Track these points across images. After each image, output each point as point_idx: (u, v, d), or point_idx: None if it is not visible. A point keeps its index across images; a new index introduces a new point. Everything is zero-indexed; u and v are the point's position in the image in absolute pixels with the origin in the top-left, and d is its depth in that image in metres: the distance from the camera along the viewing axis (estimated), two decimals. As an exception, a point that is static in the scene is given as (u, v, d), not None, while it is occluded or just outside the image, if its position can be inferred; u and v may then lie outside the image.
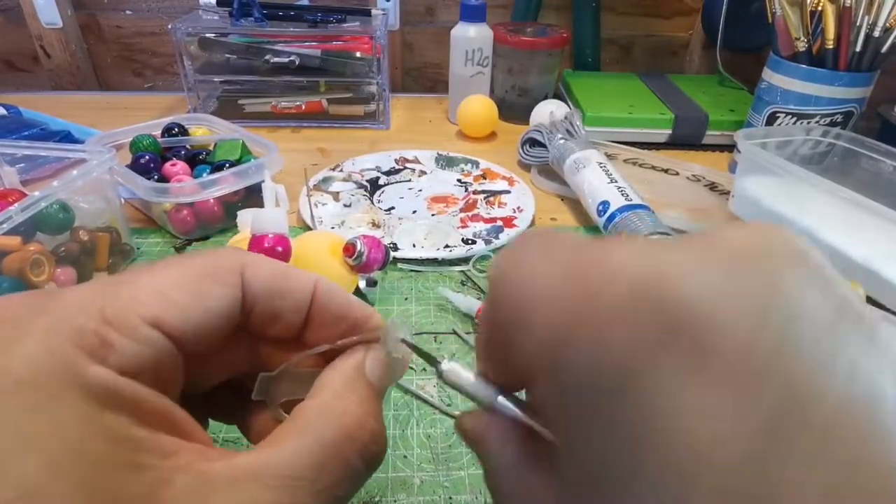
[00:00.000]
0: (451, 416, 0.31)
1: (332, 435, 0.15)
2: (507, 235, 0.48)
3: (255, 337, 0.18)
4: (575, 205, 0.54)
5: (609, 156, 0.60)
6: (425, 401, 0.32)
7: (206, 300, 0.15)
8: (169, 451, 0.13)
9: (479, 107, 0.69)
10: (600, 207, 0.47)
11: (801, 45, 0.54)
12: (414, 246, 0.47)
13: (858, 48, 0.51)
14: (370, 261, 0.35)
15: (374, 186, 0.57)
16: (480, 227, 0.50)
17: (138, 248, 0.45)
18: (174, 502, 0.12)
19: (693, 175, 0.60)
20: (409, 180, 0.59)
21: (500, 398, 0.16)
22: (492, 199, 0.55)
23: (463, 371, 0.17)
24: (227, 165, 0.48)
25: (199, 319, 0.15)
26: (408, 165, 0.61)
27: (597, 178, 0.49)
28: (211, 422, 0.19)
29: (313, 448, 0.14)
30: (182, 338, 0.15)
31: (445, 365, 0.17)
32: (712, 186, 0.58)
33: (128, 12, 0.84)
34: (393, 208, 0.54)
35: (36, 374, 0.12)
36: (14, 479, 0.11)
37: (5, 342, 0.12)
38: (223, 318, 0.16)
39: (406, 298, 0.41)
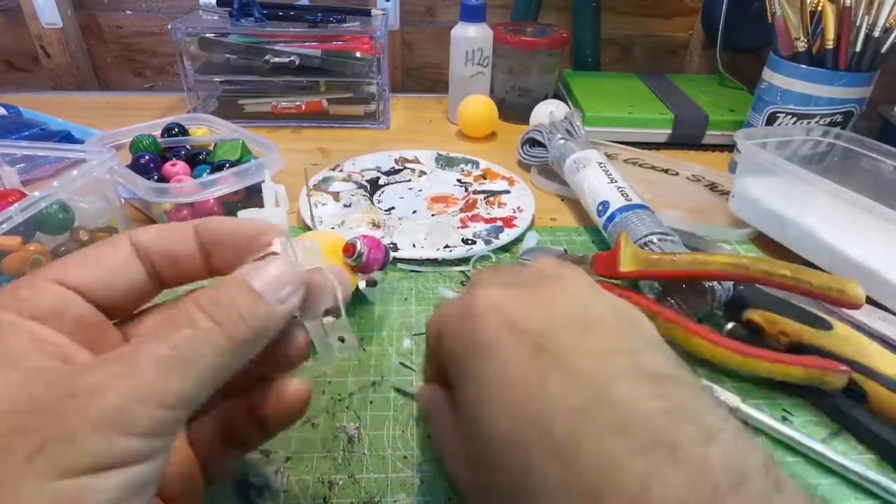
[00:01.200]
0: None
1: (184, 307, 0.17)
2: (507, 235, 0.48)
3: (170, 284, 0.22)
4: (575, 205, 0.54)
5: (609, 156, 0.60)
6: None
7: (102, 261, 0.20)
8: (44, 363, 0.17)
9: (479, 107, 0.69)
10: (600, 207, 0.47)
11: (801, 45, 0.54)
12: (414, 246, 0.47)
13: (858, 48, 0.51)
14: (370, 261, 0.35)
15: (374, 186, 0.57)
16: (480, 227, 0.50)
17: (138, 249, 0.45)
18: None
19: (693, 175, 0.60)
20: (409, 180, 0.59)
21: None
22: (492, 199, 0.55)
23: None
24: (227, 165, 0.48)
25: (98, 276, 0.19)
26: (408, 165, 0.61)
27: (597, 178, 0.49)
28: None
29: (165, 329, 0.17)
30: (86, 290, 0.19)
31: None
32: (712, 186, 0.58)
33: (128, 12, 0.84)
34: (393, 208, 0.54)
35: None
36: None
37: None
38: (124, 273, 0.20)
39: (406, 298, 0.41)
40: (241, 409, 0.21)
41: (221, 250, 0.21)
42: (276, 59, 0.68)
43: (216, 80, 0.71)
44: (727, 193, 0.54)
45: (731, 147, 0.67)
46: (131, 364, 0.16)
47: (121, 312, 0.20)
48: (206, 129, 0.56)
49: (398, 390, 0.32)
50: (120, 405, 0.15)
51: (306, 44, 0.69)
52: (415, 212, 0.53)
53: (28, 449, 0.14)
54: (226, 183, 0.45)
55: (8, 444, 0.14)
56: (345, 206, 0.53)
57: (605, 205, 0.47)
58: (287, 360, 0.21)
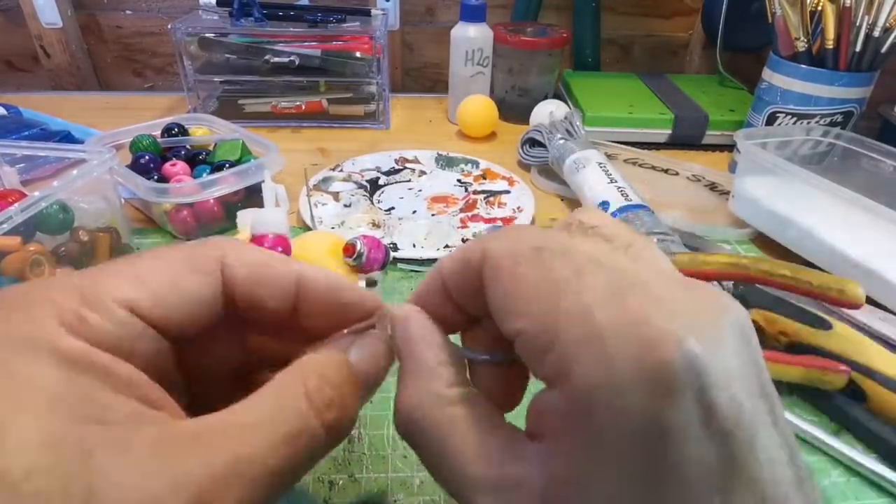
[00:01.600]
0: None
1: (294, 399, 0.15)
2: (507, 235, 0.48)
3: (247, 325, 0.19)
4: (575, 205, 0.54)
5: (609, 156, 0.60)
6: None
7: (182, 286, 0.17)
8: (138, 412, 0.14)
9: (479, 107, 0.69)
10: (600, 207, 0.47)
11: (801, 45, 0.54)
12: (414, 246, 0.47)
13: (858, 48, 0.51)
14: (370, 261, 0.35)
15: (374, 186, 0.57)
16: (480, 227, 0.50)
17: (138, 249, 0.45)
18: (139, 452, 0.13)
19: (693, 175, 0.60)
20: (409, 180, 0.59)
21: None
22: (492, 199, 0.55)
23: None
24: (227, 165, 0.48)
25: (175, 304, 0.16)
26: (408, 165, 0.61)
27: (597, 178, 0.49)
28: None
29: (273, 411, 0.15)
30: (158, 321, 0.16)
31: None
32: (712, 186, 0.58)
33: (128, 12, 0.84)
34: (393, 208, 0.54)
35: (17, 342, 0.14)
36: None
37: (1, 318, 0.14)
38: (202, 304, 0.17)
39: (406, 299, 0.41)
40: None
41: (314, 306, 0.19)
42: (276, 59, 0.68)
43: (216, 80, 0.71)
44: (727, 193, 0.54)
45: (731, 147, 0.67)
46: (239, 458, 0.14)
47: (177, 338, 0.17)
48: (206, 129, 0.56)
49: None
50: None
51: (306, 44, 0.69)
52: (415, 212, 0.53)
53: None
54: (226, 183, 0.45)
55: None
56: (345, 206, 0.53)
57: (604, 205, 0.47)
58: None
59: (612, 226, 0.17)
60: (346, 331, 0.19)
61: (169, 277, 0.17)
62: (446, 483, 0.17)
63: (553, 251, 0.16)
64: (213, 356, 0.19)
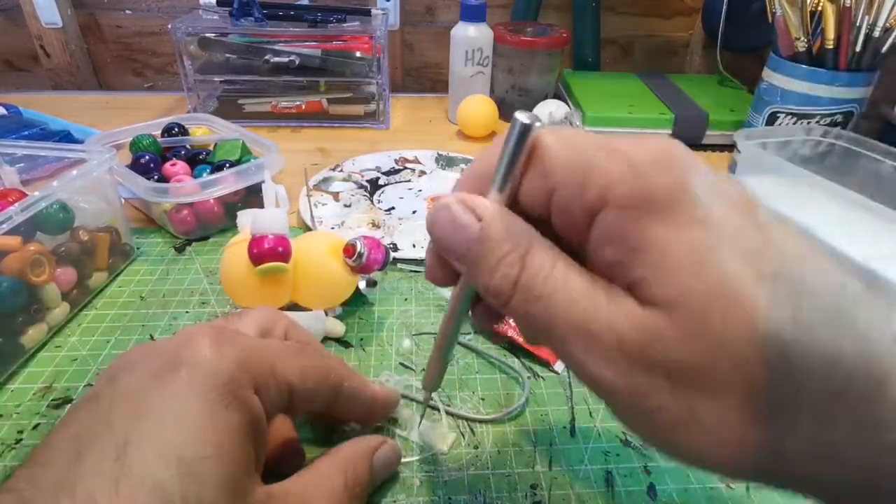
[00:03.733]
0: (455, 416, 0.31)
1: (337, 481, 0.23)
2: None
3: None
4: (575, 205, 0.54)
5: (609, 156, 0.60)
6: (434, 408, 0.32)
7: (305, 381, 0.23)
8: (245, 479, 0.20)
9: (479, 107, 0.69)
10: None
11: (802, 45, 0.54)
12: (414, 246, 0.47)
13: (858, 48, 0.51)
14: (370, 261, 0.35)
15: (374, 186, 0.57)
16: (480, 227, 0.50)
17: (138, 248, 0.45)
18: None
19: (693, 175, 0.60)
20: (409, 180, 0.59)
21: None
22: (492, 199, 0.55)
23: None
24: (227, 165, 0.48)
25: (299, 390, 0.23)
26: (408, 165, 0.61)
27: (597, 178, 0.49)
28: None
29: (324, 486, 0.23)
30: (293, 404, 0.23)
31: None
32: (712, 186, 0.58)
33: (128, 12, 0.84)
34: (393, 208, 0.54)
35: (232, 385, 0.20)
36: (192, 453, 0.18)
37: (220, 355, 0.20)
38: (319, 401, 0.25)
39: (406, 299, 0.41)
40: None
41: (350, 404, 0.26)
42: (276, 59, 0.68)
43: (216, 79, 0.71)
44: (727, 193, 0.54)
45: (731, 147, 0.67)
46: None
47: None
48: (206, 129, 0.56)
49: (405, 397, 0.32)
50: None
51: (306, 44, 0.69)
52: (415, 212, 0.53)
53: None
54: (226, 183, 0.45)
55: None
56: (345, 206, 0.53)
57: (605, 205, 0.47)
58: None
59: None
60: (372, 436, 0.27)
61: (304, 372, 0.23)
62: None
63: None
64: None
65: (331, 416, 0.27)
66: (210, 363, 0.19)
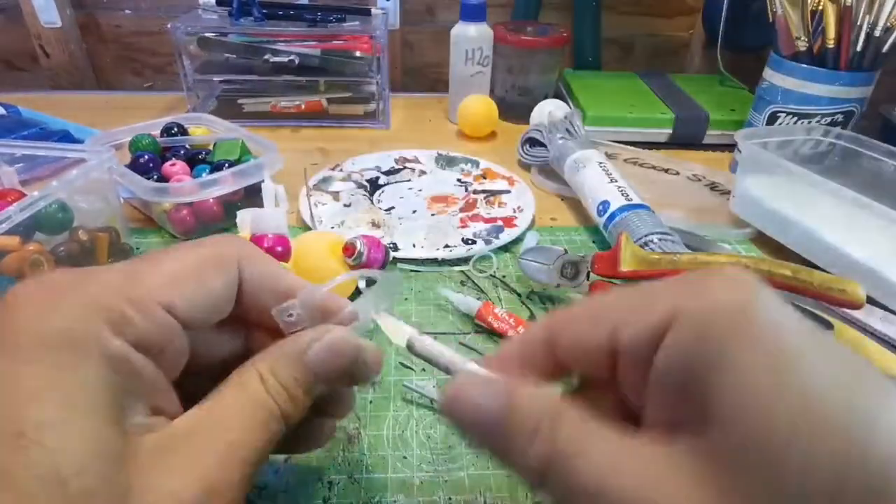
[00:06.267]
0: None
1: (257, 392, 0.18)
2: (507, 235, 0.48)
3: (248, 324, 0.22)
4: (575, 204, 0.54)
5: (609, 155, 0.60)
6: (431, 399, 0.32)
7: (209, 285, 0.19)
8: (149, 420, 0.17)
9: (479, 106, 0.69)
10: (600, 207, 0.47)
11: (802, 45, 0.54)
12: (414, 246, 0.47)
13: (859, 48, 0.51)
14: (370, 261, 0.35)
15: (373, 186, 0.57)
16: (480, 226, 0.50)
17: (138, 248, 0.45)
18: (155, 455, 0.16)
19: (693, 175, 0.60)
20: (409, 180, 0.59)
21: (471, 363, 0.19)
22: (492, 198, 0.55)
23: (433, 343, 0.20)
24: (227, 165, 0.48)
25: (202, 303, 0.18)
26: (408, 165, 0.61)
27: (597, 177, 0.49)
28: None
29: (243, 402, 0.18)
30: (188, 320, 0.18)
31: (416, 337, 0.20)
32: (713, 186, 0.58)
33: (127, 11, 0.84)
34: (393, 208, 0.53)
35: (69, 338, 0.16)
36: (33, 420, 0.14)
37: (49, 308, 0.16)
38: (221, 302, 0.19)
39: (406, 298, 0.41)
40: None
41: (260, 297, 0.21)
42: (276, 59, 0.68)
43: (215, 79, 0.71)
44: (727, 193, 0.54)
45: (731, 147, 0.67)
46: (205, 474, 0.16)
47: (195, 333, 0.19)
48: (205, 129, 0.56)
49: (411, 389, 0.32)
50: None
51: (306, 43, 0.68)
52: (415, 212, 0.53)
53: None
54: (225, 183, 0.45)
55: None
56: (345, 205, 0.53)
57: (605, 204, 0.47)
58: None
59: None
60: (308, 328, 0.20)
61: (198, 276, 0.18)
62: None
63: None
64: (215, 349, 0.21)
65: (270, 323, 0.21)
66: (35, 325, 0.16)
